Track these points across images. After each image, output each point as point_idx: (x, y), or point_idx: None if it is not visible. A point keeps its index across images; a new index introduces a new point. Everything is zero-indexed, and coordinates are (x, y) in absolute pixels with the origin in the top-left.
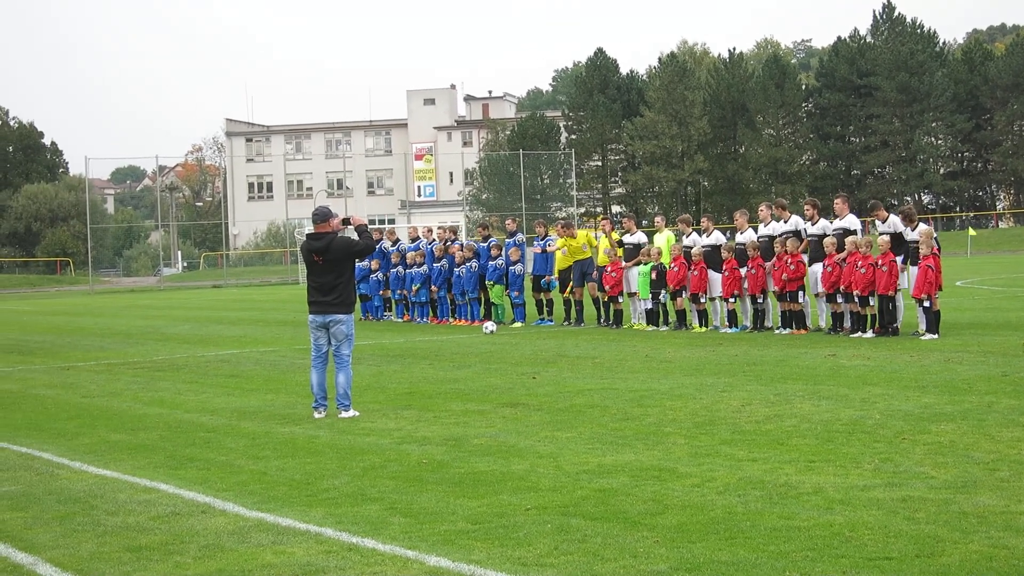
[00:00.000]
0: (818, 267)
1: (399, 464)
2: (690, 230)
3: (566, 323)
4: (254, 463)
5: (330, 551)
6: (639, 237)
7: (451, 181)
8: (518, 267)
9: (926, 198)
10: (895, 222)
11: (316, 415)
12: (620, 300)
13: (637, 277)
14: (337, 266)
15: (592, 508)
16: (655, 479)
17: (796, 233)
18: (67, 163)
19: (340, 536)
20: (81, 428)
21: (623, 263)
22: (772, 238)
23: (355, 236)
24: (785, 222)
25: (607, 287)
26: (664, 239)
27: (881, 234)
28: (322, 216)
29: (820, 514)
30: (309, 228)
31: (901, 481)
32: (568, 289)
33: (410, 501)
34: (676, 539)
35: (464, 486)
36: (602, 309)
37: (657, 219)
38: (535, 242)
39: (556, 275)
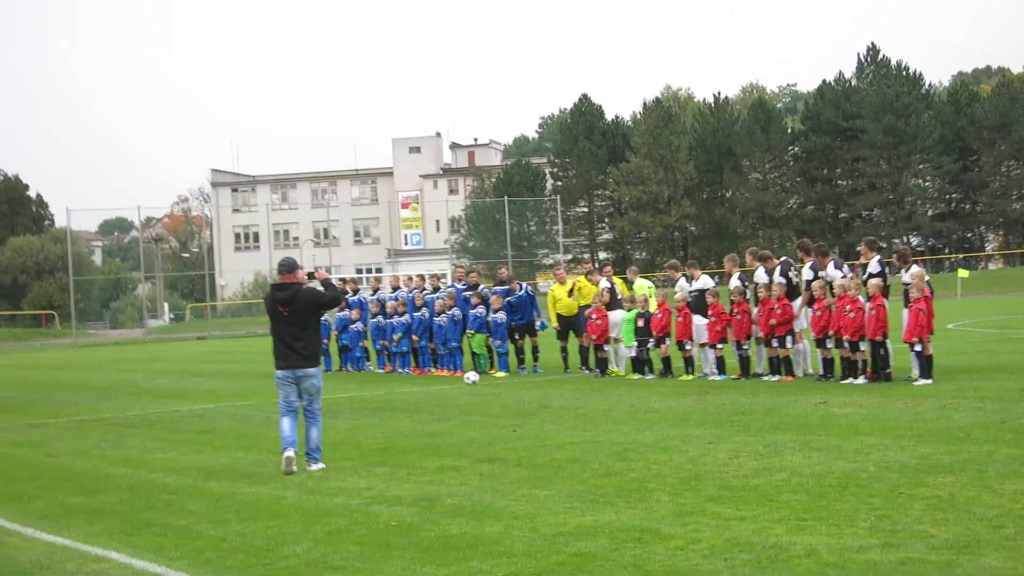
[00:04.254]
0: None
1: (366, 527)
2: (678, 275)
3: (584, 370)
4: (214, 527)
5: None
6: (604, 283)
7: (437, 229)
8: (500, 315)
9: (914, 240)
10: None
11: (285, 454)
12: (606, 348)
13: (621, 323)
14: (302, 318)
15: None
16: (636, 541)
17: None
18: (53, 215)
19: None
20: (40, 490)
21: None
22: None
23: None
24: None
25: (593, 335)
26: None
27: (843, 277)
28: (288, 267)
29: None
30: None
31: (899, 541)
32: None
33: (373, 569)
34: None
35: (433, 552)
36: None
37: (629, 272)
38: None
39: (555, 322)
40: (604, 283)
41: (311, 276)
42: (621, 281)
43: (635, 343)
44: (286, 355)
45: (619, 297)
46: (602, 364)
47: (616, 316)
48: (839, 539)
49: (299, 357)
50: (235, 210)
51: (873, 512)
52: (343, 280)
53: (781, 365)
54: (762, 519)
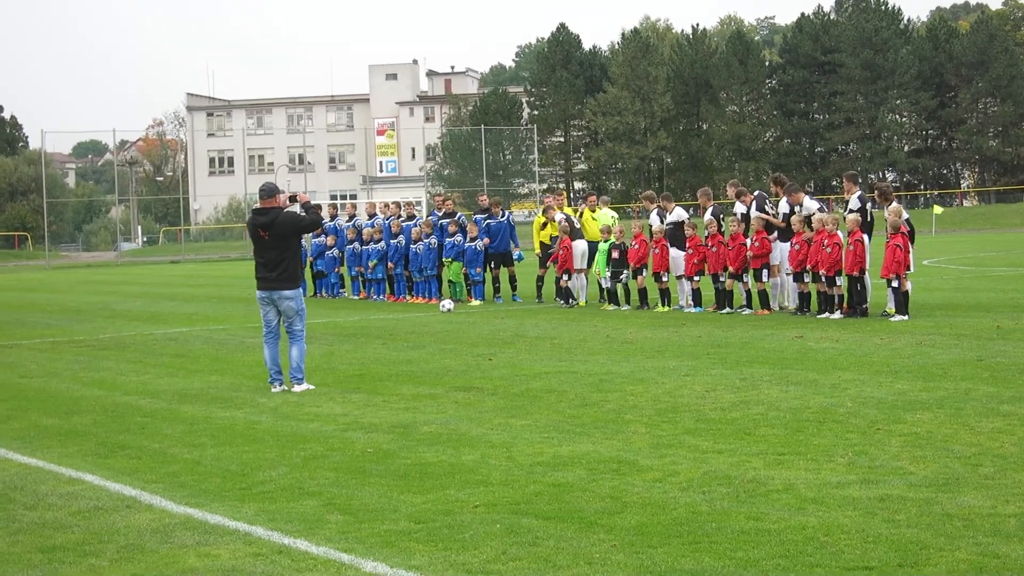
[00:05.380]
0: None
1: (342, 453)
2: (653, 207)
3: (559, 301)
4: (189, 451)
5: (258, 553)
6: (559, 215)
7: (413, 157)
8: (477, 243)
9: (890, 176)
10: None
11: (273, 389)
12: (565, 277)
13: (584, 254)
14: (282, 241)
15: (545, 506)
16: (614, 472)
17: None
18: (27, 137)
19: (271, 536)
20: (13, 411)
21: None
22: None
23: (301, 212)
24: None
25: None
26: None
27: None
28: (268, 192)
29: (791, 515)
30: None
31: (878, 477)
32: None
33: (350, 496)
34: (635, 543)
35: (409, 479)
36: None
37: (600, 202)
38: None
39: (538, 250)
40: (559, 215)
41: (293, 199)
42: (590, 212)
43: (609, 274)
44: (265, 277)
45: (576, 227)
46: (566, 294)
47: (579, 246)
48: (817, 474)
49: (277, 279)
50: (210, 134)
51: (851, 448)
52: (317, 206)
53: (758, 298)
54: (739, 453)
